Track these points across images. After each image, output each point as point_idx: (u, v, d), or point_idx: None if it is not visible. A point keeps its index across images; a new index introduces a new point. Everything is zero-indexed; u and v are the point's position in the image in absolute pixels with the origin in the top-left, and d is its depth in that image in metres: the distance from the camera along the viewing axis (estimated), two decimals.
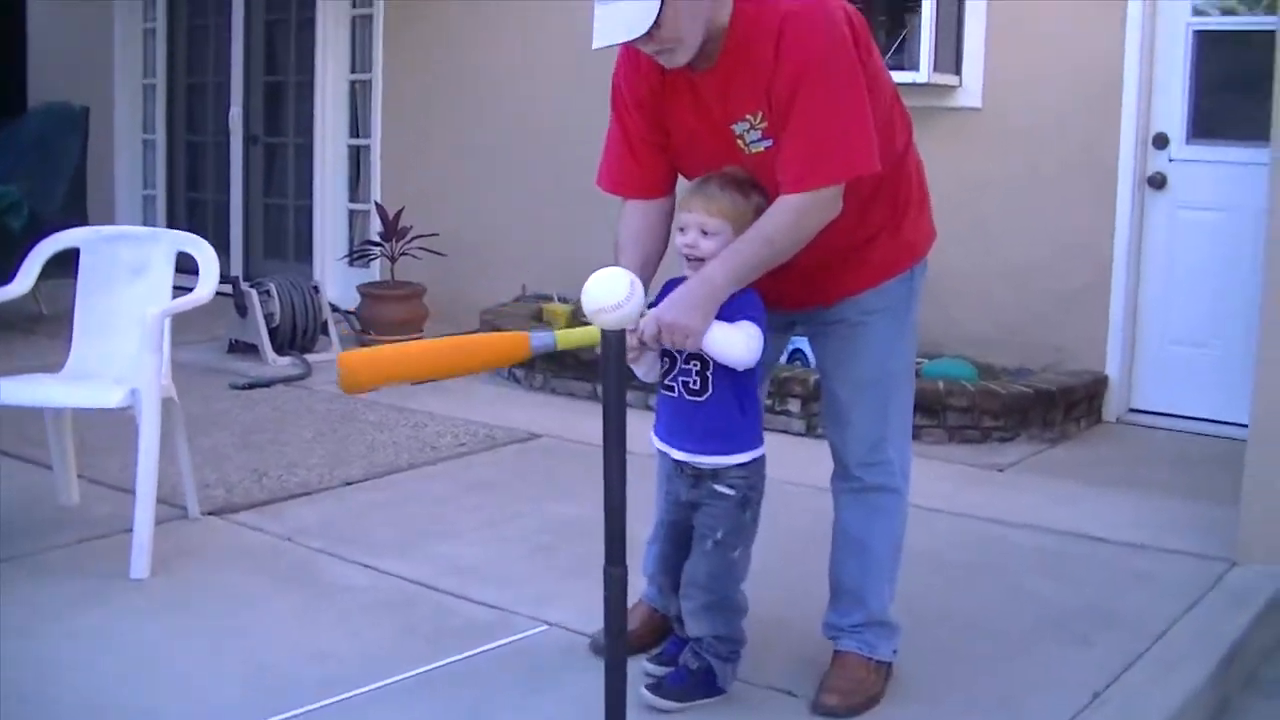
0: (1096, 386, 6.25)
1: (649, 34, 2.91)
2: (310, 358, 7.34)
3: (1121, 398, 6.35)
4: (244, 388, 6.65)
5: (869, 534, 3.36)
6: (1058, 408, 5.97)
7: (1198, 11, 6.12)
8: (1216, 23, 6.14)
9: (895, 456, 3.35)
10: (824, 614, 3.43)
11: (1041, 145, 6.37)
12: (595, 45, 2.95)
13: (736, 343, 2.98)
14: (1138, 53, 6.11)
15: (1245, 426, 5.36)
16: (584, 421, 6.04)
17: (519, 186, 8.22)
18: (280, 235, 9.92)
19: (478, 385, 6.88)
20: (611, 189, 3.37)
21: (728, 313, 3.01)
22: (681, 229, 3.10)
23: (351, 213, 9.38)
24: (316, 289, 7.72)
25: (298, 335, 7.51)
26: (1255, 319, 5.85)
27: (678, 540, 3.27)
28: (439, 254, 7.99)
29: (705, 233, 3.04)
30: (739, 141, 3.09)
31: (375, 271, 8.64)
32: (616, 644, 2.58)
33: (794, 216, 2.99)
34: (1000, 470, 5.46)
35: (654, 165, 3.29)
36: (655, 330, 2.92)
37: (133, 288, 4.49)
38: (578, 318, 7.42)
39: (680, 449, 3.16)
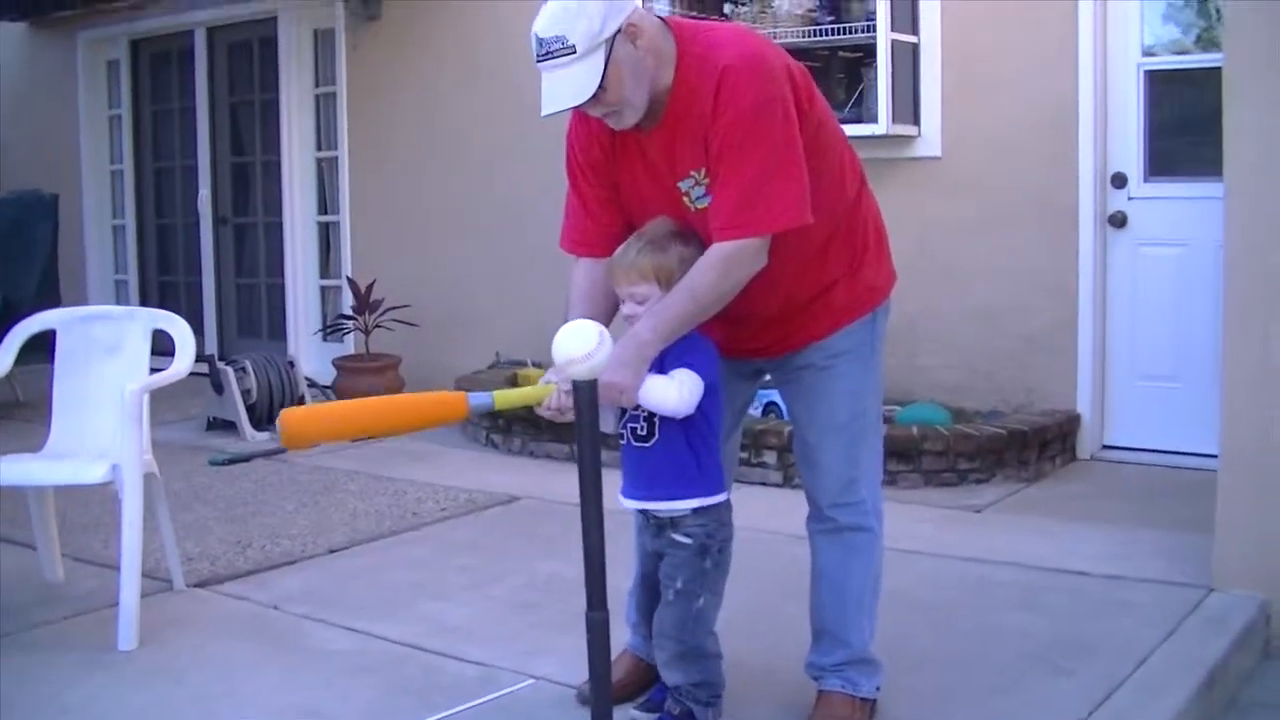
0: (1069, 425, 6.33)
1: (595, 97, 2.98)
2: None
3: (1094, 435, 6.43)
4: (224, 463, 6.67)
5: (846, 574, 3.40)
6: (1032, 447, 6.04)
7: (1148, 52, 6.26)
8: (1166, 62, 6.28)
9: (868, 496, 3.40)
10: (807, 655, 3.46)
11: (1003, 190, 6.48)
12: (544, 112, 3.02)
13: (669, 393, 3.03)
14: (1091, 95, 6.23)
15: (1214, 457, 5.49)
16: (562, 482, 6.08)
17: (488, 255, 8.30)
18: (253, 314, 9.97)
19: (455, 451, 6.95)
20: (573, 250, 3.41)
21: (668, 360, 3.06)
22: (621, 302, 3.18)
23: (323, 288, 9.46)
24: (292, 364, 7.77)
25: (275, 410, 7.52)
26: (1219, 351, 5.98)
27: (652, 590, 3.31)
28: (412, 325, 8.06)
29: (637, 301, 3.11)
30: (685, 199, 3.14)
31: (350, 345, 8.70)
32: (601, 687, 2.62)
33: (719, 269, 3.03)
34: (977, 511, 5.51)
35: (610, 223, 3.33)
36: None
37: (109, 366, 4.52)
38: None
39: (631, 496, 3.22)
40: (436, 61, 8.48)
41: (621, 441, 3.20)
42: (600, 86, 2.96)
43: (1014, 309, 6.51)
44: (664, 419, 3.08)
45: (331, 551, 5.08)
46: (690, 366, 3.05)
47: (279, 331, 9.51)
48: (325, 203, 9.40)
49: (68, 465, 4.28)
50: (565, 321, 3.17)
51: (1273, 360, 4.19)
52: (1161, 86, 6.28)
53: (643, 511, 3.23)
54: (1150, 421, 6.34)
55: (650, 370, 3.03)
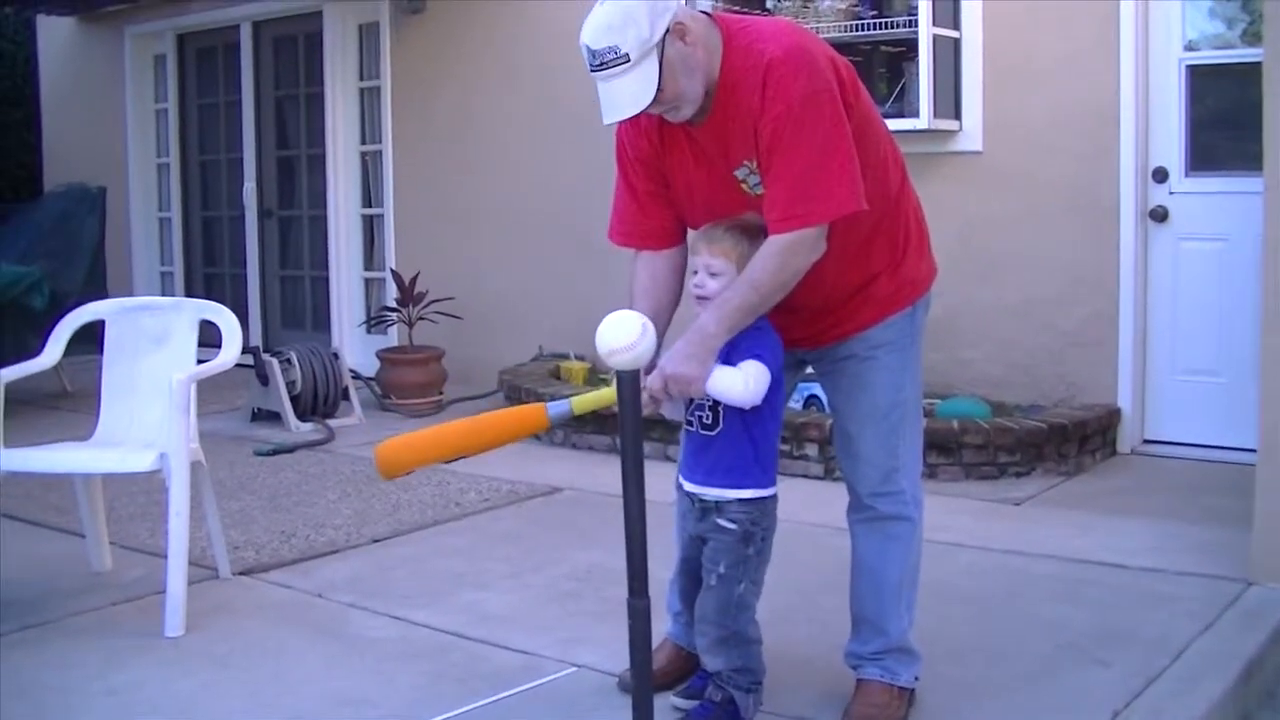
0: (1109, 419, 6.32)
1: (654, 99, 3.03)
2: (332, 423, 7.44)
3: (1135, 429, 6.42)
4: (269, 454, 6.74)
5: (885, 562, 3.43)
6: (1072, 441, 6.04)
7: (1189, 47, 6.25)
8: (1208, 57, 6.27)
9: (907, 486, 3.43)
10: (846, 644, 3.50)
11: (1043, 184, 6.48)
12: (606, 121, 3.08)
13: (735, 384, 3.07)
14: (1133, 89, 6.23)
15: (1254, 451, 5.48)
16: (604, 473, 6.10)
17: (532, 248, 8.36)
18: (297, 306, 10.07)
19: None
20: (622, 241, 3.48)
21: (737, 352, 3.10)
22: (693, 271, 3.22)
23: (367, 281, 9.54)
24: (336, 355, 7.84)
25: (319, 402, 7.61)
26: (1260, 345, 5.96)
27: (694, 576, 3.34)
28: (455, 317, 8.12)
29: (711, 273, 3.15)
30: (742, 185, 3.18)
31: (393, 337, 8.77)
32: (642, 674, 2.66)
33: (777, 259, 3.07)
34: (1017, 504, 5.52)
35: (660, 217, 3.39)
36: (660, 383, 3.03)
37: (157, 356, 4.59)
38: (596, 374, 7.54)
39: (690, 480, 3.27)
40: (480, 55, 8.54)
41: (688, 428, 3.24)
42: (658, 88, 3.00)
43: (1055, 303, 6.51)
44: (729, 408, 3.12)
45: (375, 541, 5.14)
46: (759, 358, 3.09)
47: (322, 323, 9.60)
48: (369, 196, 9.48)
49: (115, 454, 4.35)
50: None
51: None
52: (1203, 81, 6.26)
53: (689, 495, 3.27)
54: (1191, 416, 6.34)
55: (719, 360, 3.08)
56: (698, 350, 3.04)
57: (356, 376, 8.08)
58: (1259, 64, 5.97)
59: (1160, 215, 6.30)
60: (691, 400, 3.17)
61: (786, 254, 3.07)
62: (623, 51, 2.97)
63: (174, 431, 4.21)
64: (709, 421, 3.18)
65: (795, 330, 3.33)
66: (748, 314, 3.09)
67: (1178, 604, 4.20)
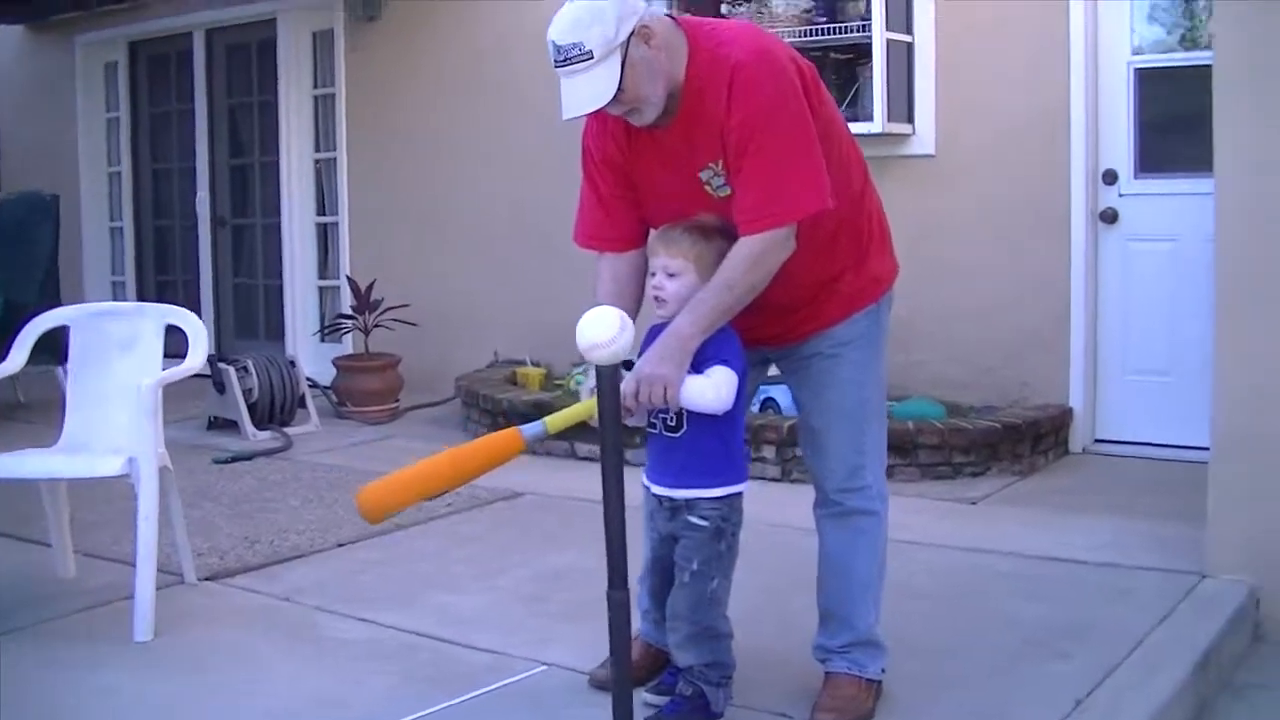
0: (1062, 419, 6.43)
1: (614, 98, 3.08)
2: (290, 430, 7.44)
3: (1086, 429, 6.53)
4: (227, 461, 6.74)
5: (852, 556, 3.49)
6: (1025, 441, 6.14)
7: (1138, 50, 6.36)
8: (1156, 60, 6.39)
9: (873, 481, 3.50)
10: (813, 638, 3.55)
11: (995, 187, 6.58)
12: (565, 117, 3.13)
13: (706, 392, 3.12)
14: (1083, 93, 6.34)
15: (1205, 449, 5.60)
16: (565, 478, 6.19)
17: (486, 255, 8.39)
18: (251, 314, 10.05)
19: None
20: (586, 244, 3.52)
21: (703, 357, 3.15)
22: (651, 274, 3.27)
23: (321, 289, 9.55)
24: (293, 363, 7.84)
25: (276, 410, 7.61)
26: (1209, 345, 6.08)
27: (664, 574, 3.39)
28: (411, 324, 8.13)
29: (669, 274, 3.20)
30: (706, 188, 3.24)
31: (348, 345, 8.78)
32: (622, 666, 2.70)
33: (750, 260, 3.14)
34: (973, 503, 5.61)
35: (625, 219, 3.44)
36: (634, 386, 3.06)
37: (123, 362, 4.58)
38: (551, 379, 7.57)
39: (659, 483, 3.30)
40: (435, 62, 8.57)
41: (651, 430, 3.28)
42: (619, 88, 3.05)
43: (1007, 305, 6.61)
44: (691, 410, 3.16)
45: (340, 545, 5.15)
46: (725, 362, 3.14)
47: (276, 332, 9.58)
48: (323, 203, 9.48)
49: (84, 459, 4.35)
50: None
51: (1262, 350, 4.28)
52: (1150, 84, 6.38)
53: (658, 496, 3.31)
54: (1140, 415, 6.45)
55: None
56: (674, 352, 3.09)
57: (314, 385, 8.08)
58: (1206, 67, 6.10)
59: (1110, 217, 6.42)
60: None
61: (759, 254, 3.13)
62: (587, 49, 3.03)
63: (143, 436, 4.22)
64: (673, 424, 3.22)
65: (762, 329, 3.38)
66: (723, 315, 3.15)
67: (1135, 597, 4.29)
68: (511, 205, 8.24)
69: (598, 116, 3.34)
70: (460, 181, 8.53)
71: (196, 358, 4.49)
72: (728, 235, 3.22)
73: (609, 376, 2.70)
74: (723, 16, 6.95)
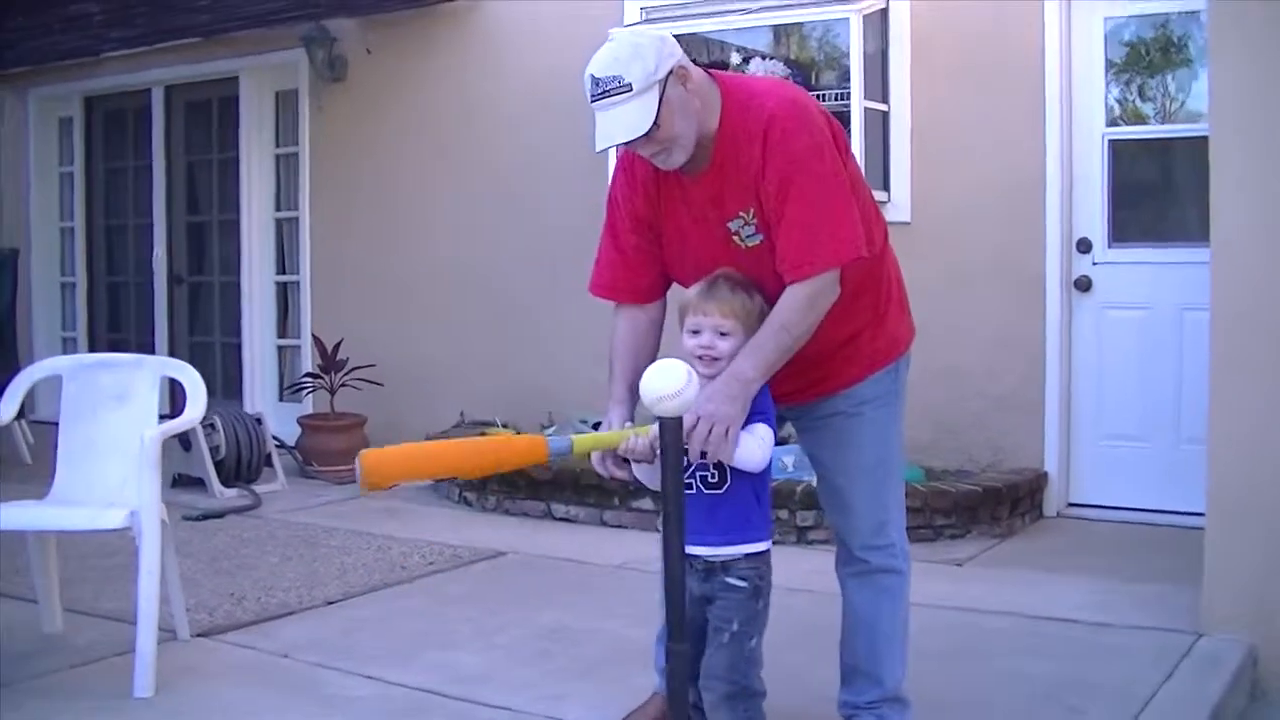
0: (1037, 482, 6.49)
1: (648, 134, 3.11)
2: (257, 489, 7.35)
3: (1060, 493, 6.60)
4: (198, 519, 6.65)
5: (878, 614, 3.51)
6: (1004, 504, 6.19)
7: (1112, 122, 6.49)
8: (1130, 132, 6.53)
9: (897, 538, 3.54)
10: (839, 695, 3.56)
11: (971, 254, 6.66)
12: (598, 148, 3.16)
13: (755, 451, 3.11)
14: (1058, 163, 6.45)
15: (1177, 513, 5.78)
16: (543, 538, 6.18)
17: (452, 315, 8.36)
18: (208, 373, 9.66)
19: (430, 508, 6.99)
20: (603, 295, 3.54)
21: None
22: (695, 331, 3.22)
23: (280, 348, 9.46)
24: (259, 421, 7.76)
25: (243, 468, 7.53)
26: (1180, 411, 6.20)
27: (694, 637, 3.33)
28: (377, 384, 8.09)
29: (721, 333, 3.18)
30: (734, 238, 3.28)
31: (308, 405, 8.69)
32: (679, 714, 2.69)
33: (806, 302, 3.17)
34: (959, 564, 5.65)
35: (646, 272, 3.47)
36: (693, 422, 2.99)
37: (117, 414, 4.54)
38: None
39: (700, 544, 3.13)
40: (400, 124, 8.57)
41: (687, 490, 3.16)
42: (654, 124, 3.09)
43: (983, 370, 6.68)
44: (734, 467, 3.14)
45: (329, 603, 5.10)
46: (766, 420, 3.13)
47: (234, 391, 9.47)
48: (283, 262, 9.42)
49: (84, 511, 4.27)
50: (610, 369, 3.37)
51: (1257, 414, 4.36)
52: (1124, 156, 6.51)
53: (693, 556, 3.17)
54: (1114, 480, 6.52)
55: None
56: (739, 394, 3.08)
57: (279, 444, 8.00)
58: (1180, 139, 6.29)
59: (1084, 285, 6.52)
60: (690, 462, 3.09)
61: (813, 296, 3.17)
62: (626, 81, 3.08)
63: (146, 489, 4.17)
64: (714, 480, 3.17)
65: (780, 385, 3.40)
66: (782, 357, 3.16)
67: (1134, 655, 4.33)
68: (474, 267, 8.23)
69: (626, 167, 3.39)
70: (423, 242, 8.52)
71: (196, 409, 4.48)
72: (762, 293, 3.25)
73: (672, 429, 2.70)
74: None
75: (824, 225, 3.17)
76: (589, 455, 3.13)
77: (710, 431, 3.00)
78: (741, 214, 3.25)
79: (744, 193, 3.23)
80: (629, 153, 3.34)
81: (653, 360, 3.40)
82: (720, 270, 3.28)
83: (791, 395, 3.47)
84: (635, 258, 3.46)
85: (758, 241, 3.25)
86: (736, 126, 3.22)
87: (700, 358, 3.19)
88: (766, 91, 3.28)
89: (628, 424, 3.09)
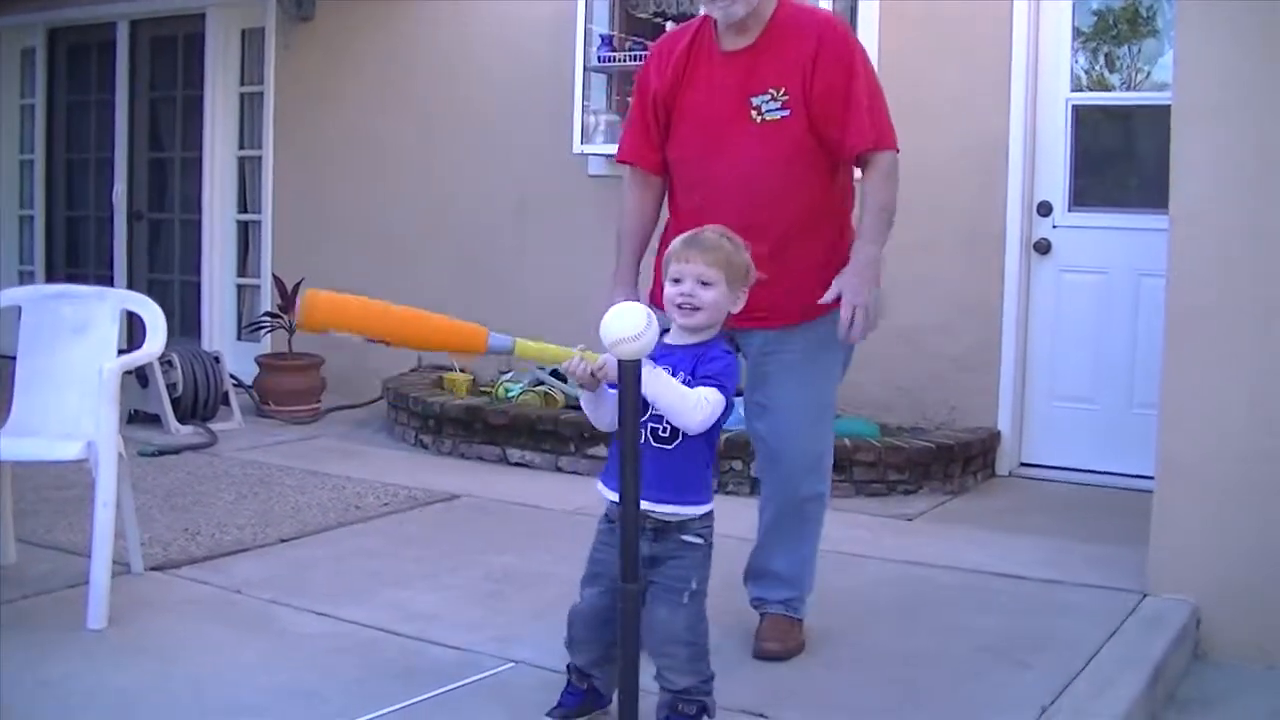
0: (990, 442, 6.56)
1: None
2: (213, 426, 7.34)
3: (1013, 452, 6.66)
4: (153, 454, 6.63)
5: (801, 537, 3.94)
6: (956, 462, 6.25)
7: (1077, 89, 6.53)
8: (1094, 98, 6.57)
9: (828, 464, 3.99)
10: (749, 589, 3.98)
11: (933, 216, 6.66)
12: None
13: (675, 400, 3.00)
14: (1022, 128, 6.48)
15: (1127, 476, 5.92)
16: (497, 482, 6.21)
17: (409, 259, 8.33)
18: (167, 311, 9.72)
19: (387, 450, 7.01)
20: (629, 158, 4.00)
21: (703, 364, 3.10)
22: (677, 279, 3.18)
23: (240, 287, 9.42)
24: (218, 359, 7.75)
25: (199, 405, 7.52)
26: (1134, 375, 6.28)
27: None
28: None
29: (704, 283, 3.15)
30: (753, 112, 3.68)
31: (266, 345, 8.66)
32: (630, 656, 2.72)
33: (886, 174, 3.71)
34: (909, 520, 5.71)
35: (659, 148, 3.92)
36: (850, 314, 3.68)
37: (77, 346, 4.52)
38: (477, 385, 7.55)
39: (651, 498, 3.03)
40: (368, 65, 8.52)
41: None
42: None
43: (941, 330, 6.72)
44: None
45: (283, 541, 5.10)
46: (721, 387, 3.06)
47: (192, 329, 9.41)
48: (245, 201, 9.37)
49: (41, 442, 4.27)
50: (617, 248, 3.91)
51: (1207, 378, 4.42)
52: (1087, 121, 6.56)
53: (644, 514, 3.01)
54: (1066, 441, 6.59)
55: (682, 373, 3.08)
56: (876, 274, 3.70)
57: (237, 382, 7.98)
58: (1143, 107, 6.34)
59: (1044, 248, 6.57)
60: (648, 410, 3.05)
61: (890, 169, 3.72)
62: None
63: (103, 421, 4.16)
64: (665, 435, 3.12)
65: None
66: (889, 229, 3.74)
67: (1081, 612, 4.40)
68: (436, 213, 8.22)
69: (664, 50, 3.89)
70: (389, 183, 8.49)
71: (156, 343, 4.48)
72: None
73: (631, 370, 2.72)
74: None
75: (881, 112, 3.72)
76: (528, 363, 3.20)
77: (865, 318, 3.65)
78: (772, 90, 3.66)
79: (782, 73, 3.65)
80: (667, 39, 3.93)
81: (650, 233, 3.96)
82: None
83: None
84: (655, 131, 3.89)
85: (777, 117, 3.66)
86: (788, 23, 3.70)
87: (680, 306, 3.17)
88: (816, 9, 3.97)
89: (580, 347, 3.03)
